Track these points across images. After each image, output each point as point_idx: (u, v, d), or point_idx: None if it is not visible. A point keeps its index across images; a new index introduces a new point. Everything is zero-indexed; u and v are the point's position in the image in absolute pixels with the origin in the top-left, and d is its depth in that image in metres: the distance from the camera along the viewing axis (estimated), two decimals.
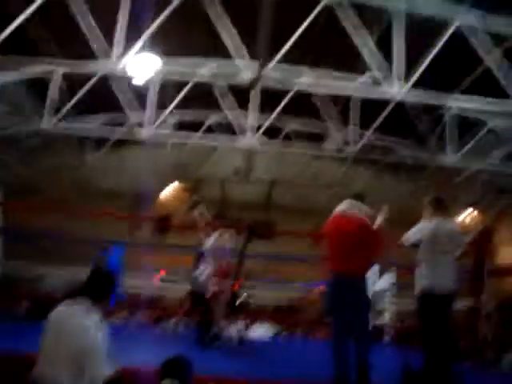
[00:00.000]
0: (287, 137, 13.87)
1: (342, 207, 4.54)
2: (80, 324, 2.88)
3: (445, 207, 4.58)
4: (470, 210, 16.04)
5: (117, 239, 12.27)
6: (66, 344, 2.81)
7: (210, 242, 6.37)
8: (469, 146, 12.19)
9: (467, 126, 12.49)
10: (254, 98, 11.48)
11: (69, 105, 11.70)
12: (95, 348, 2.85)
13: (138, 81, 10.63)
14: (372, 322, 7.36)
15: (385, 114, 11.45)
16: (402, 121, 12.30)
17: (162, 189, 17.80)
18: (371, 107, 11.74)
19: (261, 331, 9.03)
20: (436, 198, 4.62)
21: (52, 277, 7.93)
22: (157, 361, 3.10)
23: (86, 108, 13.48)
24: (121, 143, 15.97)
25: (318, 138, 13.23)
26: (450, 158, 12.16)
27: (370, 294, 7.33)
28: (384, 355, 6.93)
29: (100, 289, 3.04)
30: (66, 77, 11.74)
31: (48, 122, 11.68)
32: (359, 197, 4.66)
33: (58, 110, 11.78)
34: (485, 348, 7.03)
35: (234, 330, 6.46)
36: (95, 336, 2.88)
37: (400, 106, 11.46)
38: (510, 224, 15.62)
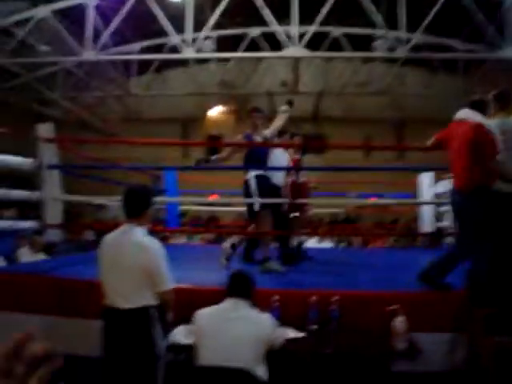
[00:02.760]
0: (333, 45, 13.31)
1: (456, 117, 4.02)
2: (136, 242, 2.95)
3: (509, 103, 4.24)
4: None
5: (171, 164, 12.44)
6: (127, 265, 2.90)
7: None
8: None
9: None
10: (296, 5, 10.98)
11: (108, 31, 11.59)
12: (157, 262, 2.94)
13: None
14: (434, 224, 7.35)
15: (437, 7, 10.72)
16: (456, 14, 11.51)
17: (210, 108, 17.73)
18: (421, 4, 11.03)
19: (319, 243, 9.10)
20: (500, 93, 4.25)
21: (113, 206, 8.13)
22: (218, 279, 3.15)
23: (124, 37, 13.37)
24: (164, 67, 15.85)
25: (365, 43, 12.62)
26: (509, 50, 11.37)
27: (431, 197, 7.29)
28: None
29: (134, 205, 3.05)
30: (101, 7, 11.62)
31: (90, 52, 11.65)
32: (477, 105, 3.96)
33: (96, 41, 11.73)
34: None
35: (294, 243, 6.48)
36: (154, 250, 2.95)
37: None
38: None
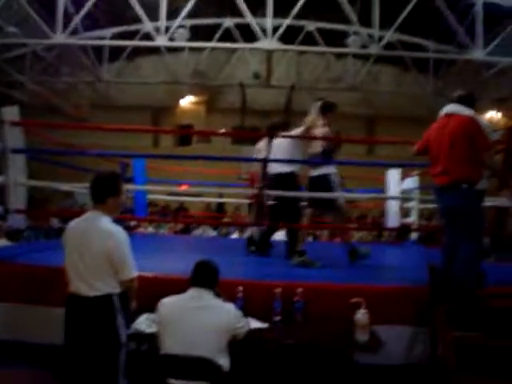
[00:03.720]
0: (307, 40, 13.36)
1: (443, 112, 3.88)
2: (101, 229, 2.92)
3: (473, 103, 4.29)
4: (499, 106, 15.51)
5: (141, 152, 12.31)
6: (91, 252, 2.87)
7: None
8: (498, 39, 11.58)
9: (498, 17, 11.82)
10: None
11: (80, 15, 11.38)
12: (121, 250, 2.92)
13: None
14: (399, 220, 7.46)
15: (410, 6, 10.88)
16: (428, 15, 11.69)
17: (181, 98, 17.60)
18: (395, 3, 11.15)
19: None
20: (467, 93, 4.27)
21: (80, 193, 8.00)
22: (183, 269, 3.14)
23: (96, 22, 13.13)
24: (136, 54, 15.63)
25: (339, 39, 12.71)
26: (479, 52, 11.62)
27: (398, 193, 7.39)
28: (411, 253, 7.03)
29: (99, 191, 3.01)
30: None
31: (60, 36, 11.41)
32: (464, 99, 3.84)
33: (68, 24, 11.51)
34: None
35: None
36: (118, 238, 2.93)
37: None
38: None
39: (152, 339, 2.99)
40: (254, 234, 6.00)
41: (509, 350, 3.35)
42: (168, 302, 2.93)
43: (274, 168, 5.50)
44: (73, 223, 3.05)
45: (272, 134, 5.60)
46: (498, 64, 13.04)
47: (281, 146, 5.50)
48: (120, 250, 2.90)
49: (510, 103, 14.79)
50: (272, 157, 5.53)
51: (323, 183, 5.13)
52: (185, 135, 18.11)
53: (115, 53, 14.68)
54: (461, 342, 3.34)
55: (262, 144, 5.99)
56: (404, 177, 7.57)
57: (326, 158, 5.22)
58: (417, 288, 3.81)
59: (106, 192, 3.01)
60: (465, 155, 3.61)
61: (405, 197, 7.46)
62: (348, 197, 5.90)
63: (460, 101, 3.82)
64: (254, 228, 6.18)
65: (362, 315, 3.30)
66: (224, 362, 2.78)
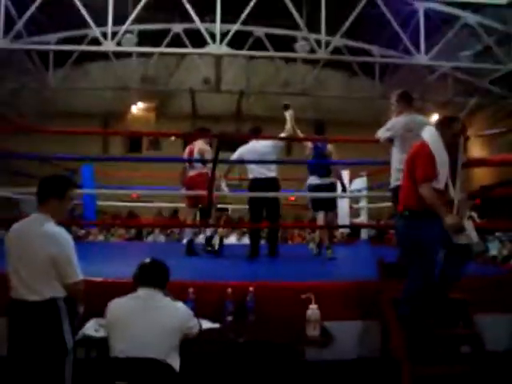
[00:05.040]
0: (256, 45, 13.46)
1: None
2: (44, 232, 2.83)
3: (412, 102, 4.49)
4: (442, 109, 16.04)
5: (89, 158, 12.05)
6: (34, 256, 2.79)
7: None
8: (441, 43, 12.00)
9: (441, 22, 12.26)
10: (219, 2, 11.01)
11: (23, 19, 11.08)
12: (66, 253, 2.84)
13: None
14: (350, 219, 7.61)
15: (356, 12, 11.13)
16: (374, 21, 11.98)
17: (130, 104, 17.37)
18: (342, 9, 11.39)
19: (236, 238, 9.15)
20: (404, 92, 4.49)
21: (26, 201, 7.77)
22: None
23: (41, 27, 12.79)
24: (84, 59, 15.28)
25: (287, 44, 12.86)
26: (422, 56, 12.00)
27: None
28: (361, 251, 7.18)
29: (43, 191, 2.94)
30: None
31: (3, 40, 11.06)
32: (437, 124, 3.67)
33: (11, 29, 11.18)
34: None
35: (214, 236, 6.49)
36: (62, 241, 2.85)
37: (371, 4, 11.16)
38: (480, 123, 15.80)
39: (101, 344, 2.91)
40: (195, 237, 6.11)
41: (452, 337, 3.49)
42: (117, 303, 2.86)
43: (256, 172, 5.72)
44: (15, 226, 2.95)
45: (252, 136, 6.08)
46: (441, 68, 13.53)
47: (259, 151, 5.75)
48: (64, 254, 2.83)
49: (452, 106, 15.32)
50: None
51: (333, 189, 6.11)
52: (135, 142, 17.88)
53: (62, 58, 14.32)
54: (410, 332, 3.43)
55: (201, 144, 6.00)
56: (352, 177, 7.72)
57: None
58: (366, 283, 3.89)
59: (49, 192, 2.93)
60: (410, 182, 3.52)
61: (355, 195, 7.62)
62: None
63: (436, 125, 3.64)
64: (194, 231, 6.22)
65: (312, 311, 3.34)
66: (175, 362, 2.74)
